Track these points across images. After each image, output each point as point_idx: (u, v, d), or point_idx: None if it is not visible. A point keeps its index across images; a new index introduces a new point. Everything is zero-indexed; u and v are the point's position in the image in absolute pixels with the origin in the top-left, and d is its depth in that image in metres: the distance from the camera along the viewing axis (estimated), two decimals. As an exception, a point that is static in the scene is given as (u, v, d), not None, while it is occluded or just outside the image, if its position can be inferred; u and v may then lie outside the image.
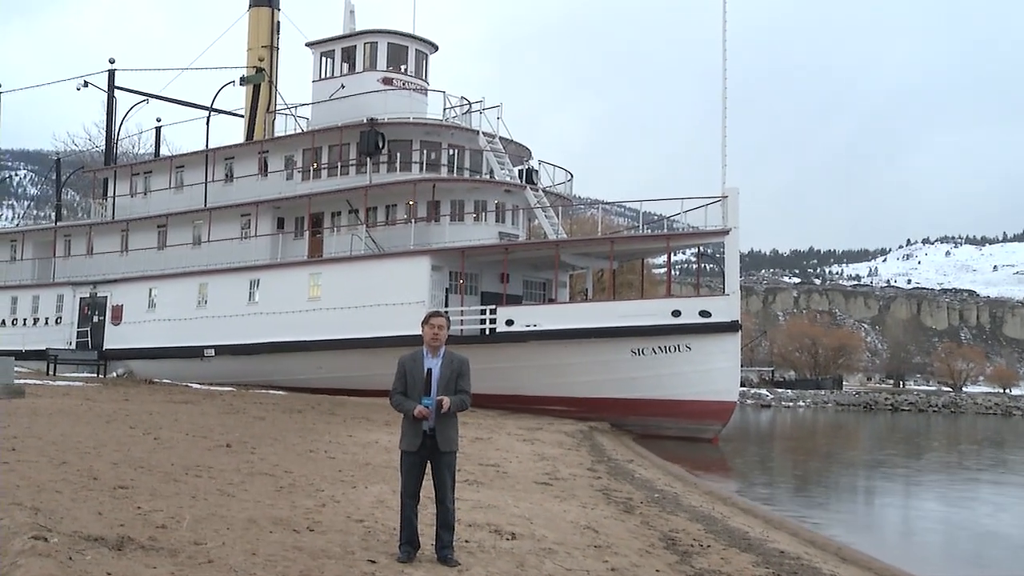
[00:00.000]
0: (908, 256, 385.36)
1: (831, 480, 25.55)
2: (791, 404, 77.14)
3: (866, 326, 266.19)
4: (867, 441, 42.35)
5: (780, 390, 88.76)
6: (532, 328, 34.23)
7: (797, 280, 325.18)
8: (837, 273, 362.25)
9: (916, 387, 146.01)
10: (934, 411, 76.51)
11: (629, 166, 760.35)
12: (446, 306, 35.46)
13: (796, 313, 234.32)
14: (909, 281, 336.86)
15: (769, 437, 43.35)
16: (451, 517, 8.54)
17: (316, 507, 10.83)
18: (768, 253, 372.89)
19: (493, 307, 35.12)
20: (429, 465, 8.52)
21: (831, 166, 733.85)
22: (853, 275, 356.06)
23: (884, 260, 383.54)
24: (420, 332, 8.66)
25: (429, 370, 8.41)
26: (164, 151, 57.22)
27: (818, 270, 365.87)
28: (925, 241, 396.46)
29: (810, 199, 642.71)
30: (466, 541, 9.55)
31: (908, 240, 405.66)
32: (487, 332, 34.79)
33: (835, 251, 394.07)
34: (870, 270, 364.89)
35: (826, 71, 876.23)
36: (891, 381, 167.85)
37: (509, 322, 34.45)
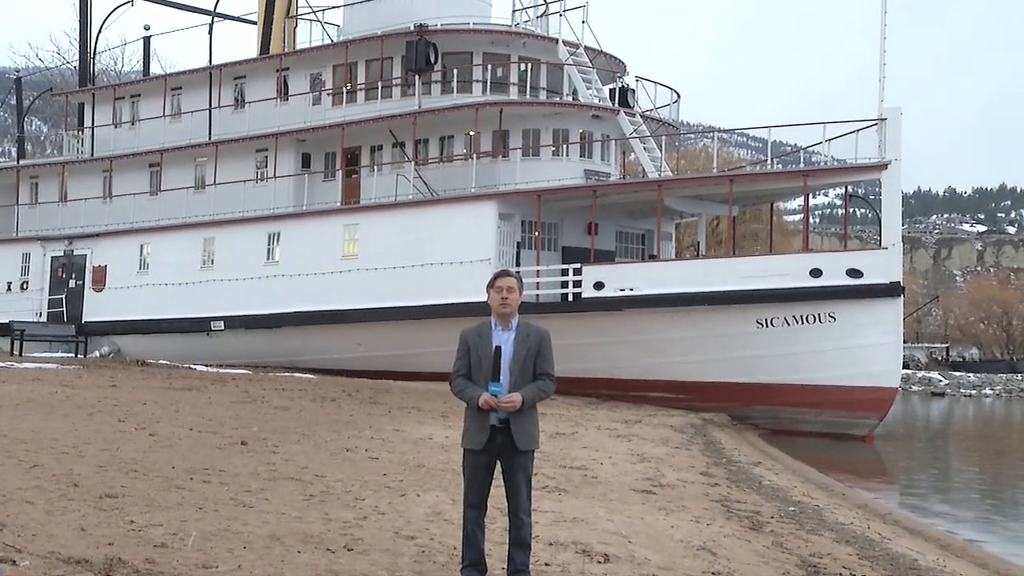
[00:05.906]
0: None
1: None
2: (973, 392, 76.02)
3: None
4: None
5: (958, 373, 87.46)
6: (628, 293, 34.20)
7: (982, 228, 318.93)
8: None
9: None
10: None
11: (763, 89, 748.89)
12: (517, 265, 35.55)
13: (981, 272, 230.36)
14: None
15: (943, 434, 42.83)
16: (527, 533, 8.53)
17: (356, 520, 10.98)
18: (943, 193, 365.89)
19: (578, 266, 35.13)
20: (499, 467, 8.51)
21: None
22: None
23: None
24: (485, 299, 8.64)
25: (498, 347, 8.37)
26: (156, 68, 58.18)
27: (1012, 214, 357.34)
28: None
29: (1004, 123, 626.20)
30: (546, 564, 9.63)
31: None
32: (570, 298, 34.85)
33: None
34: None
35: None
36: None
37: (598, 285, 34.43)
